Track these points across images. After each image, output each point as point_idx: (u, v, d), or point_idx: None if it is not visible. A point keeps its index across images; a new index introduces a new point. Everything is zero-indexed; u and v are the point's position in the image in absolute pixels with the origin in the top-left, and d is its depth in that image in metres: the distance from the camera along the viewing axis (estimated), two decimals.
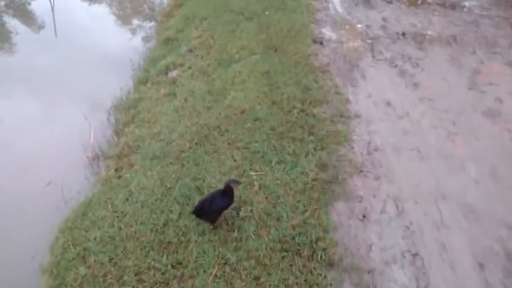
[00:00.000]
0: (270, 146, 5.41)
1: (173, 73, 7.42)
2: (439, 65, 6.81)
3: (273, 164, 5.16)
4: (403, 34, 7.71)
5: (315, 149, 5.26)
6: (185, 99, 6.61)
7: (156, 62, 8.19)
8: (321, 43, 7.45)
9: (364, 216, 4.35)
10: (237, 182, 4.34)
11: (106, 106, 7.61)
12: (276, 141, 5.48)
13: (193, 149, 5.55)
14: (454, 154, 5.09)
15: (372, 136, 5.42)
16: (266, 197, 4.74)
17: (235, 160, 5.33)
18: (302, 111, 5.93)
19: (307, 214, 4.43)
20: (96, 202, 5.20)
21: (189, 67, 7.46)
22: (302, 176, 4.87)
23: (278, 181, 4.89)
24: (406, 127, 5.51)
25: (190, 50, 7.94)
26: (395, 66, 6.79)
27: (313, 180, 4.80)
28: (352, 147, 5.26)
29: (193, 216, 4.56)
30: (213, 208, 4.30)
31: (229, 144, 5.58)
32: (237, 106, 6.22)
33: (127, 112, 6.98)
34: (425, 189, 4.64)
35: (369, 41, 7.53)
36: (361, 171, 4.89)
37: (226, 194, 4.23)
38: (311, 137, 5.43)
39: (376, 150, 5.20)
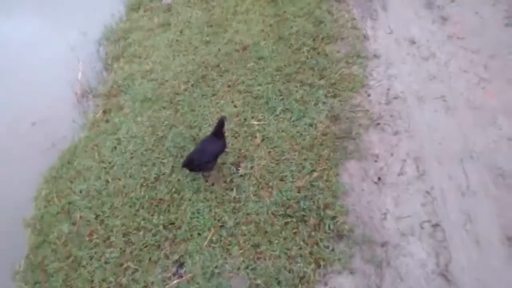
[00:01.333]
0: (275, 91, 4.73)
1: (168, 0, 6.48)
2: None
3: (278, 112, 4.52)
4: None
5: (326, 96, 4.57)
6: (181, 31, 5.79)
7: None
8: None
9: (379, 179, 3.78)
10: (223, 118, 3.78)
11: (95, 35, 6.80)
12: (282, 84, 4.78)
13: (189, 92, 4.89)
14: (485, 105, 4.41)
15: (392, 81, 4.70)
16: (269, 152, 4.16)
17: (235, 106, 4.70)
18: (313, 49, 5.15)
19: (314, 175, 3.88)
20: (82, 149, 4.68)
21: None
22: (311, 129, 4.24)
23: (283, 133, 4.29)
24: (432, 71, 4.76)
25: None
26: None
27: (322, 134, 4.18)
28: (369, 95, 4.56)
29: (187, 171, 4.05)
30: (205, 157, 3.82)
31: (229, 86, 4.90)
32: (239, 41, 5.44)
33: (116, 44, 6.19)
34: (450, 146, 4.03)
35: None
36: (378, 124, 4.25)
37: (218, 137, 3.76)
38: (322, 81, 4.72)
39: (396, 98, 4.50)
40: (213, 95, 4.89)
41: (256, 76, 5.00)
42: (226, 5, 6.09)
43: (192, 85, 5.04)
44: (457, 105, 4.42)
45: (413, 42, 5.17)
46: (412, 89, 4.61)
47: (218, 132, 3.76)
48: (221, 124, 3.72)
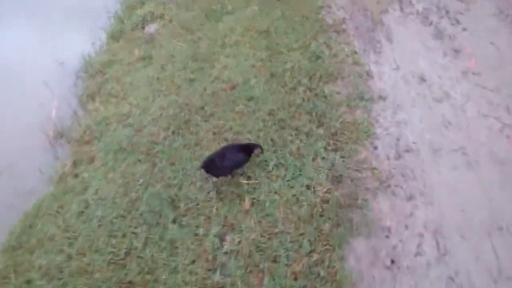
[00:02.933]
0: (267, 140, 3.96)
1: (151, 28, 5.74)
2: (484, 22, 5.09)
3: (270, 167, 3.73)
4: None
5: (325, 149, 3.79)
6: (162, 67, 5.01)
7: (133, 10, 6.41)
8: None
9: (392, 262, 2.99)
10: (260, 148, 3.75)
11: (73, 67, 6.00)
12: (274, 132, 4.01)
13: (169, 141, 4.10)
14: (511, 158, 3.58)
15: (402, 129, 3.91)
16: (260, 221, 3.37)
17: None
18: (310, 89, 4.37)
19: (314, 257, 3.10)
20: (46, 211, 3.87)
21: (170, 20, 5.78)
22: (308, 193, 3.45)
23: (277, 196, 3.49)
24: (447, 116, 3.98)
25: None
26: (430, 24, 5.08)
27: (322, 201, 3.40)
28: (375, 147, 3.77)
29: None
30: (225, 162, 3.55)
31: (214, 134, 4.12)
32: (227, 79, 4.65)
33: (94, 80, 5.39)
34: (475, 215, 3.27)
35: None
36: (388, 186, 3.46)
37: (244, 151, 3.60)
38: (321, 130, 3.94)
39: (407, 151, 3.72)
40: (196, 144, 4.11)
41: (246, 121, 4.22)
42: (213, 36, 5.30)
43: (173, 133, 4.25)
44: (479, 159, 3.64)
45: (423, 79, 4.39)
46: (425, 139, 3.82)
47: (247, 149, 3.66)
48: (253, 147, 3.69)
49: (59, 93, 5.49)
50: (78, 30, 6.59)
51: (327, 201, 3.40)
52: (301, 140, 3.95)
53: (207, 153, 4.01)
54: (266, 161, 3.88)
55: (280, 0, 5.64)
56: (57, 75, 5.87)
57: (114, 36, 6.16)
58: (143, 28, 5.96)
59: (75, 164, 4.38)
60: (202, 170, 3.71)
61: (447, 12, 5.24)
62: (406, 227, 3.21)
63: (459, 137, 3.85)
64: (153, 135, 4.29)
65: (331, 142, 3.85)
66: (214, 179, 3.71)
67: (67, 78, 5.89)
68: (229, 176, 3.76)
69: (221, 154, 3.58)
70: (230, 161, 3.55)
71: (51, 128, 5.10)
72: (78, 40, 6.36)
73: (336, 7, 5.36)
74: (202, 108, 4.48)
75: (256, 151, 3.71)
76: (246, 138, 4.09)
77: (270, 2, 5.66)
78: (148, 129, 4.38)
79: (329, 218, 3.28)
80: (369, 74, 4.49)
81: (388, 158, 3.71)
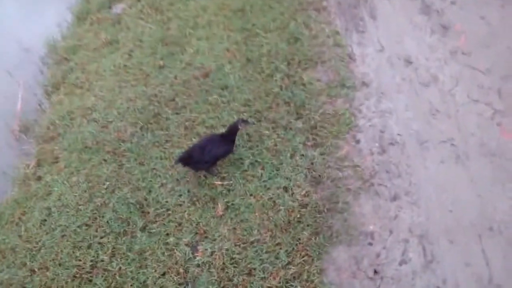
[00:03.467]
0: (242, 135, 3.57)
1: (118, 8, 5.25)
2: None
3: (245, 166, 3.41)
4: None
5: (304, 144, 3.44)
6: (130, 53, 4.57)
7: None
8: None
9: (375, 272, 2.75)
10: (246, 122, 3.32)
11: (39, 52, 5.51)
12: (250, 126, 3.61)
13: (137, 138, 3.75)
14: (503, 149, 3.35)
15: (387, 119, 3.58)
16: (234, 228, 3.09)
17: None
18: (288, 76, 3.98)
19: (291, 270, 2.79)
20: (8, 219, 3.55)
21: None
22: (286, 196, 3.15)
23: (252, 199, 3.21)
24: (435, 102, 3.65)
25: None
26: None
27: (301, 205, 3.10)
28: (358, 141, 3.45)
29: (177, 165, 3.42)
30: (206, 156, 3.22)
31: (186, 128, 3.77)
32: (199, 65, 4.24)
33: (58, 67, 4.92)
34: (464, 215, 3.03)
35: None
36: (371, 185, 3.16)
37: (226, 138, 3.26)
38: (299, 123, 3.60)
39: (392, 144, 3.40)
40: (167, 141, 3.75)
41: (220, 113, 3.85)
42: (184, 16, 4.84)
43: (141, 128, 3.88)
44: (468, 151, 3.33)
45: (409, 61, 4.02)
46: (411, 130, 3.49)
47: (229, 135, 3.27)
48: (234, 129, 3.25)
49: (24, 82, 5.03)
50: (44, 11, 6.04)
51: (305, 206, 3.10)
52: (278, 135, 3.60)
53: (178, 151, 3.66)
54: (241, 158, 3.55)
55: None
56: (22, 63, 5.40)
57: (80, 17, 5.64)
58: (110, 8, 5.41)
59: (38, 164, 4.04)
60: (179, 165, 3.41)
61: None
62: (391, 231, 2.94)
63: (447, 127, 3.52)
64: (120, 132, 3.93)
65: (311, 137, 3.51)
66: (188, 178, 3.37)
67: (33, 65, 5.42)
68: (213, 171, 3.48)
69: (201, 146, 3.26)
70: (210, 155, 3.24)
71: (16, 122, 4.68)
72: (44, 23, 5.84)
73: None
74: (173, 99, 4.09)
75: (241, 127, 3.29)
76: (220, 132, 3.71)
77: None
78: (114, 124, 4.00)
79: (308, 225, 2.99)
80: (351, 57, 4.10)
81: (372, 153, 3.39)
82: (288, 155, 3.45)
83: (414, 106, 3.71)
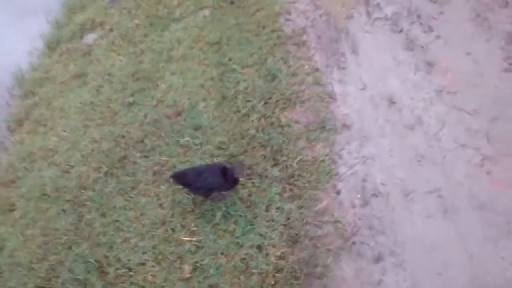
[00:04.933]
0: None
1: (89, 38, 4.91)
2: (460, 28, 4.43)
3: (217, 219, 3.02)
4: None
5: (281, 195, 3.07)
6: (98, 88, 4.22)
7: (73, 14, 5.47)
8: None
9: None
10: (242, 172, 3.09)
11: (6, 82, 5.11)
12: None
13: (100, 184, 3.36)
14: (494, 202, 3.05)
15: (369, 166, 3.26)
16: None
17: (161, 207, 3.15)
18: (265, 117, 3.65)
19: None
20: None
21: (111, 29, 4.90)
22: (260, 257, 2.80)
23: (223, 259, 2.85)
24: (420, 148, 3.34)
25: (115, 1, 5.22)
26: (400, 31, 4.39)
27: (275, 269, 2.73)
28: (338, 192, 3.12)
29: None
30: (199, 182, 2.96)
31: (154, 174, 3.38)
32: (171, 103, 3.91)
33: (23, 101, 4.53)
34: (454, 279, 2.73)
35: None
36: (353, 243, 2.83)
37: (223, 175, 2.92)
38: (276, 171, 3.26)
39: (375, 195, 3.08)
40: (133, 188, 3.38)
41: (192, 157, 3.47)
42: (158, 49, 4.50)
43: (105, 174, 3.50)
44: (457, 204, 3.02)
45: (392, 101, 3.73)
46: (395, 179, 3.18)
47: (225, 174, 2.94)
48: (230, 172, 2.95)
49: None
50: (15, 38, 5.66)
51: (280, 270, 2.75)
52: (253, 183, 3.25)
53: (144, 200, 3.28)
54: (213, 210, 3.16)
55: (234, 4, 4.80)
56: None
57: (50, 46, 5.26)
58: (81, 38, 5.05)
59: None
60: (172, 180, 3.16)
61: (418, 16, 4.55)
62: None
63: (434, 175, 3.21)
64: (82, 177, 3.54)
65: (288, 187, 3.17)
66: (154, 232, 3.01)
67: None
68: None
69: (198, 171, 3.01)
70: (204, 183, 2.95)
71: None
72: (13, 50, 5.44)
73: (295, 13, 4.60)
74: (142, 141, 3.73)
75: (238, 175, 3.00)
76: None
77: (223, 5, 4.83)
78: (76, 169, 3.62)
79: None
80: (331, 97, 3.79)
81: (353, 206, 3.06)
82: (263, 207, 3.10)
83: (398, 151, 3.40)
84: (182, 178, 3.03)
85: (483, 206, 3.08)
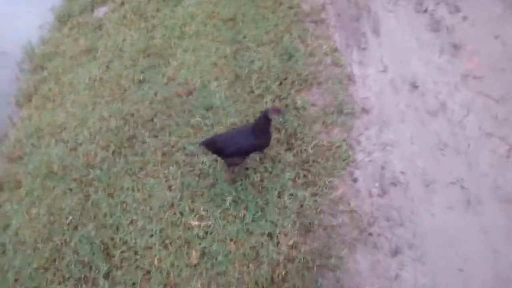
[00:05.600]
0: (221, 168, 3.02)
1: (100, 12, 4.69)
2: (488, 9, 4.11)
3: (227, 204, 2.85)
4: None
5: (294, 181, 2.90)
6: (108, 64, 4.03)
7: None
8: None
9: None
10: (279, 112, 2.64)
11: (16, 56, 4.97)
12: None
13: (108, 164, 3.20)
14: None
15: (388, 153, 3.04)
16: (209, 283, 2.50)
17: (170, 189, 3.04)
18: (280, 98, 3.42)
19: None
20: None
21: (122, 3, 4.66)
22: (270, 245, 2.63)
23: (232, 245, 2.69)
24: (443, 135, 3.10)
25: None
26: (425, 11, 4.09)
27: (287, 259, 2.58)
28: (355, 179, 2.92)
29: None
30: (231, 148, 2.75)
31: (164, 155, 3.23)
32: (183, 81, 3.69)
33: (32, 76, 4.37)
34: (477, 274, 2.56)
35: None
36: (370, 234, 2.63)
37: (256, 132, 2.68)
38: (290, 156, 3.05)
39: (394, 184, 2.87)
40: (141, 169, 3.21)
41: (202, 138, 3.27)
42: (170, 24, 4.27)
43: (113, 153, 3.34)
44: (480, 195, 2.79)
45: (415, 85, 3.47)
46: (416, 168, 2.95)
47: (260, 129, 2.68)
48: (264, 121, 2.64)
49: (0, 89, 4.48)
50: (25, 12, 5.47)
51: (292, 260, 2.58)
52: (265, 168, 3.06)
53: (152, 182, 3.12)
54: (223, 194, 3.01)
55: None
56: None
57: (61, 19, 5.07)
58: (92, 11, 4.83)
59: (1, 188, 3.45)
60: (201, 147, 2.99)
61: None
62: None
63: (457, 165, 2.98)
64: (89, 156, 3.38)
65: (302, 173, 2.97)
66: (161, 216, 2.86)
67: (9, 71, 4.86)
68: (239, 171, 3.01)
69: (228, 136, 2.87)
70: (235, 147, 2.75)
71: None
72: (24, 24, 5.26)
73: None
74: (151, 120, 3.55)
75: (275, 118, 2.67)
76: (201, 160, 3.18)
77: None
78: (84, 147, 3.46)
79: (294, 285, 2.43)
80: (350, 79, 3.55)
81: (371, 195, 2.85)
82: (276, 193, 2.91)
83: (420, 138, 3.17)
84: (212, 145, 2.83)
85: (508, 199, 2.86)
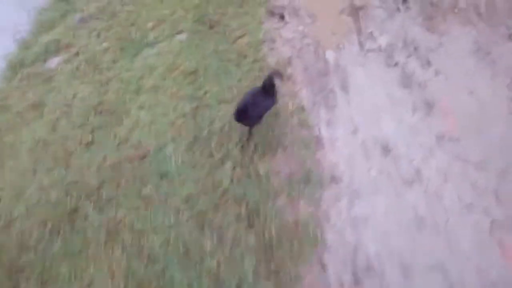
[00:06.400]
0: (177, 246, 2.66)
1: (53, 62, 4.25)
2: (460, 62, 3.85)
3: None
4: (405, 0, 4.52)
5: (255, 273, 2.41)
6: (55, 122, 3.53)
7: (41, 33, 4.78)
8: (282, 16, 4.25)
9: None
10: (279, 74, 3.19)
11: None
12: (189, 233, 2.79)
13: (44, 246, 2.75)
14: (507, 279, 2.36)
15: (360, 231, 2.65)
16: None
17: (112, 278, 2.48)
18: (241, 166, 2.98)
19: None
20: None
21: (77, 53, 4.20)
22: None
23: None
24: (419, 209, 2.75)
25: (85, 20, 4.56)
26: (395, 65, 3.79)
27: None
28: (324, 266, 2.44)
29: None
30: (257, 110, 2.98)
31: (108, 233, 2.74)
32: (136, 143, 3.22)
33: None
34: None
35: (354, 14, 4.34)
36: None
37: (268, 92, 3.00)
38: (251, 238, 2.66)
39: (367, 271, 2.45)
40: (80, 252, 2.66)
41: (153, 212, 2.80)
42: (126, 77, 3.87)
43: (50, 231, 2.83)
44: (465, 281, 2.35)
45: (387, 149, 3.13)
46: (392, 250, 2.57)
47: (268, 89, 3.01)
48: (270, 82, 2.99)
49: None
50: None
51: None
52: (223, 252, 2.57)
53: (93, 270, 2.60)
54: (172, 282, 2.47)
55: (214, 28, 4.16)
56: None
57: (13, 67, 4.57)
58: (44, 61, 4.37)
59: None
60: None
61: (415, 48, 3.97)
62: None
63: (436, 245, 2.63)
64: (24, 235, 2.84)
65: (263, 258, 2.49)
66: None
67: None
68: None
69: (253, 102, 3.00)
70: (260, 107, 3.04)
71: None
72: None
73: (281, 41, 3.98)
74: (98, 189, 3.06)
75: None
76: (150, 240, 2.72)
77: (202, 29, 4.21)
78: (19, 223, 2.99)
79: None
80: (318, 142, 3.16)
81: (342, 285, 2.37)
82: (233, 285, 2.42)
83: (394, 213, 2.80)
84: (243, 113, 2.97)
85: (494, 283, 2.44)
